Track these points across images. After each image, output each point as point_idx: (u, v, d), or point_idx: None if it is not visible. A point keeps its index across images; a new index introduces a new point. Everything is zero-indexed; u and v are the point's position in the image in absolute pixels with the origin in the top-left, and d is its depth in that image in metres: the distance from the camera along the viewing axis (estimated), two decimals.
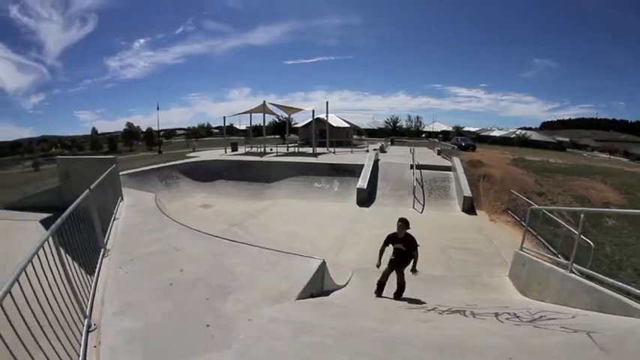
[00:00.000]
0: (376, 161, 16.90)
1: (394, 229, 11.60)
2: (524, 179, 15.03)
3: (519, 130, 68.98)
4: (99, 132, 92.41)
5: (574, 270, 4.80)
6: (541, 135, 67.95)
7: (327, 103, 23.47)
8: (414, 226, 10.55)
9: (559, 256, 6.29)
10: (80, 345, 3.10)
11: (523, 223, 9.62)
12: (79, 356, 2.97)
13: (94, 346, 3.26)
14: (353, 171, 15.47)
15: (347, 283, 6.13)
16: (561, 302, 4.47)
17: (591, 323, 3.19)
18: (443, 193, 14.18)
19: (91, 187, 5.48)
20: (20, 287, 2.18)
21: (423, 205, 13.25)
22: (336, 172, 15.95)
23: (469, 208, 12.67)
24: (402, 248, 5.47)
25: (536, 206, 8.25)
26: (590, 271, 4.59)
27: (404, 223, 5.50)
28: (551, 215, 7.60)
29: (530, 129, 77.40)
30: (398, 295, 5.69)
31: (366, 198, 13.70)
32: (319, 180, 15.84)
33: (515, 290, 6.38)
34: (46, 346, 2.38)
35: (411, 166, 15.89)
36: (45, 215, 18.71)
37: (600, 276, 4.36)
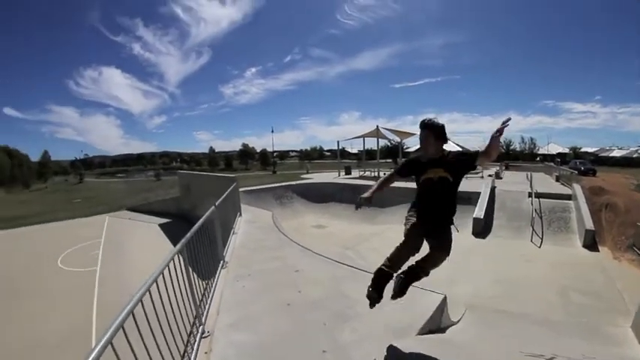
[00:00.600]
0: (493, 188, 16.09)
1: (513, 265, 9.38)
2: None
3: None
4: (216, 150, 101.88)
5: None
6: None
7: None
8: (532, 261, 9.95)
9: None
10: (193, 349, 3.39)
11: None
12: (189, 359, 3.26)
13: (205, 352, 3.52)
14: (469, 199, 14.71)
15: (460, 320, 5.51)
16: None
17: None
18: (563, 225, 13.00)
19: (217, 203, 5.79)
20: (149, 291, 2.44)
21: (542, 239, 12.25)
22: None
23: (591, 243, 11.44)
24: (445, 176, 3.12)
25: None
26: None
27: (433, 129, 3.15)
28: None
29: None
30: (403, 284, 3.43)
31: (482, 228, 13.07)
32: None
33: (638, 345, 5.59)
34: (162, 345, 2.67)
35: (529, 195, 14.90)
36: (164, 220, 21.32)
37: None
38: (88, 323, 9.01)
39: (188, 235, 3.65)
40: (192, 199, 19.56)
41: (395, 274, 3.42)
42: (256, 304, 4.47)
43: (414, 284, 4.58)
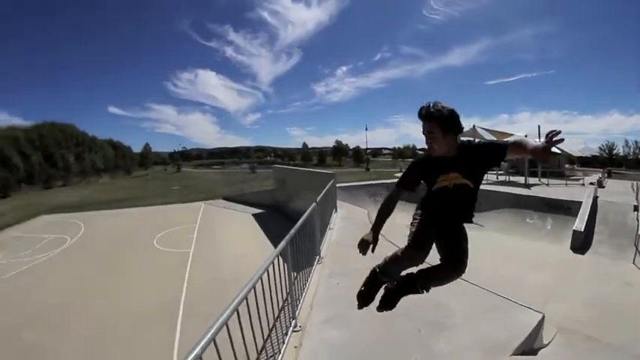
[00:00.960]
0: (595, 198, 14.45)
1: (611, 288, 8.74)
2: None
3: None
4: (309, 146, 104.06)
5: None
6: None
7: (538, 127, 21.98)
8: (633, 286, 9.10)
9: None
10: (284, 343, 3.47)
11: None
12: (280, 353, 3.32)
13: (295, 347, 3.52)
14: (569, 209, 13.50)
15: (550, 342, 5.02)
16: None
17: None
18: None
19: (317, 199, 5.92)
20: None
21: None
22: (550, 209, 14.30)
23: None
24: (465, 183, 2.46)
25: None
26: None
27: (439, 119, 2.34)
28: None
29: None
30: (388, 299, 3.01)
31: (581, 243, 11.69)
32: (531, 215, 14.36)
33: None
34: (257, 333, 2.82)
35: (635, 208, 13.12)
36: (258, 210, 22.18)
37: None
38: (177, 298, 9.63)
39: (290, 233, 3.77)
40: (286, 192, 20.32)
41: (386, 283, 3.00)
42: (351, 302, 4.45)
43: (508, 297, 4.57)
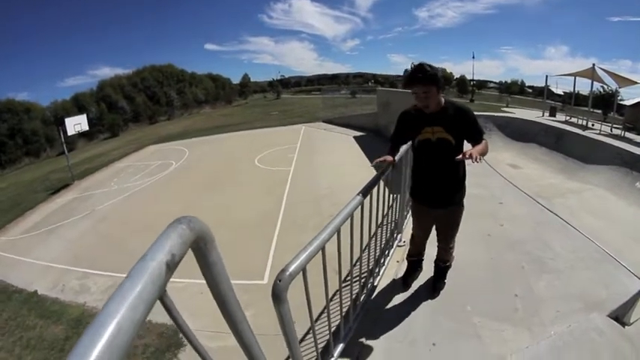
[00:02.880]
0: None
1: None
2: None
3: None
4: None
5: None
6: None
7: None
8: None
9: None
10: (388, 255, 3.77)
11: None
12: (383, 265, 3.63)
13: (397, 261, 3.79)
14: None
15: (636, 321, 4.18)
16: None
17: None
18: None
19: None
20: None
21: None
22: None
23: None
24: (446, 138, 2.62)
25: None
26: None
27: (436, 81, 2.48)
28: None
29: None
30: (436, 283, 3.43)
31: None
32: None
33: None
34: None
35: None
36: (359, 133, 22.03)
37: None
38: (276, 212, 10.43)
39: (404, 147, 3.58)
40: (390, 115, 19.60)
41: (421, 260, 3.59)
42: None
43: (615, 257, 4.33)
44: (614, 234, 8.63)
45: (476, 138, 2.61)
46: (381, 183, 3.07)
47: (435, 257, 3.39)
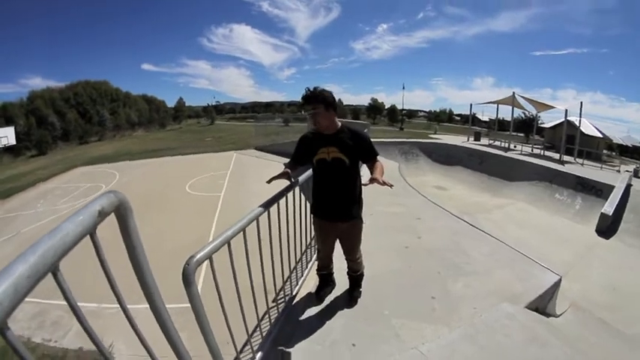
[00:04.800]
0: (628, 186, 13.82)
1: (633, 278, 8.64)
2: None
3: None
4: (344, 103, 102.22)
5: None
6: None
7: (580, 103, 20.46)
8: None
9: None
10: (302, 275, 3.77)
11: None
12: (302, 276, 3.70)
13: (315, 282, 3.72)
14: (600, 191, 13.26)
15: (561, 315, 4.94)
16: None
17: None
18: None
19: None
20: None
21: None
22: (582, 188, 14.10)
23: None
24: (340, 157, 2.76)
25: None
26: None
27: (323, 101, 2.68)
28: None
29: None
30: (352, 292, 3.44)
31: (607, 227, 11.58)
32: (561, 192, 14.24)
33: None
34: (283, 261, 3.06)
35: None
36: (288, 160, 22.31)
37: None
38: (206, 237, 10.13)
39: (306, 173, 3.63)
40: None
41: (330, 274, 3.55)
42: (374, 241, 4.54)
43: (529, 256, 4.65)
44: (536, 240, 9.19)
45: (370, 158, 2.84)
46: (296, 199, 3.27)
47: (346, 270, 3.43)
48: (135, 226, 1.13)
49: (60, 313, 7.10)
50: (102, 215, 0.94)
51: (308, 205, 3.48)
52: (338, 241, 3.18)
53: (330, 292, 3.51)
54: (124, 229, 1.10)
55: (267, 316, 2.95)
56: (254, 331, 2.71)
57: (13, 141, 19.44)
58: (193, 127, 68.87)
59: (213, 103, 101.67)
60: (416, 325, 3.07)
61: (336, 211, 2.94)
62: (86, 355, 5.33)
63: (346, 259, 3.27)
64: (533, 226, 10.83)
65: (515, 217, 11.58)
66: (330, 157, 2.78)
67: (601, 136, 31.77)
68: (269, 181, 2.88)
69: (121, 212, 1.06)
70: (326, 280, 3.52)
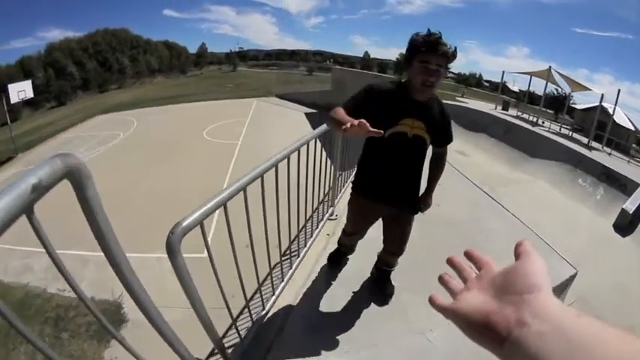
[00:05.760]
0: None
1: None
2: None
3: None
4: (371, 56, 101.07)
5: None
6: None
7: (618, 91, 19.49)
8: None
9: None
10: (317, 227, 3.58)
11: None
12: (312, 236, 3.43)
13: (327, 235, 3.67)
14: (625, 186, 12.88)
15: (570, 305, 4.81)
16: None
17: None
18: None
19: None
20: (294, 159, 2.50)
21: None
22: (606, 178, 13.69)
23: None
24: (424, 137, 2.15)
25: None
26: None
27: (452, 58, 1.94)
28: None
29: None
30: (385, 289, 2.89)
31: (627, 224, 10.89)
32: (585, 178, 13.79)
33: None
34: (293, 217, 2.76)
35: None
36: (310, 110, 21.98)
37: None
38: (220, 184, 10.13)
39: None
40: (344, 94, 19.56)
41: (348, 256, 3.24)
42: None
43: (549, 244, 4.68)
44: (552, 224, 8.93)
45: (444, 142, 2.39)
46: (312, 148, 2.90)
47: (376, 260, 2.95)
48: (95, 197, 0.93)
49: (73, 264, 7.17)
50: (38, 190, 0.72)
51: (324, 161, 3.32)
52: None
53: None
54: (82, 200, 0.91)
55: (277, 268, 2.79)
56: (264, 280, 2.63)
57: (30, 94, 19.47)
58: (215, 74, 68.49)
59: (237, 50, 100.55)
60: (427, 304, 2.83)
61: (399, 200, 2.36)
62: (98, 305, 5.38)
63: (388, 251, 2.73)
64: (551, 208, 10.51)
65: (534, 195, 11.29)
66: (412, 132, 2.09)
67: (633, 128, 30.72)
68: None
69: (76, 179, 0.87)
70: (343, 256, 3.18)
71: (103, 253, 1.03)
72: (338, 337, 2.48)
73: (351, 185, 2.52)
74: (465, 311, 0.45)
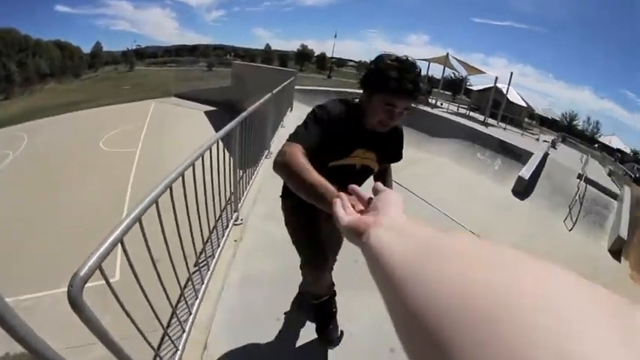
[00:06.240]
0: (545, 155, 15.21)
1: (539, 236, 9.55)
2: None
3: None
4: (272, 48, 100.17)
5: None
6: None
7: (510, 73, 22.14)
8: (557, 239, 9.95)
9: None
10: (224, 234, 3.38)
11: None
12: (219, 246, 3.20)
13: (235, 240, 3.50)
14: (519, 156, 14.34)
15: None
16: None
17: None
18: (598, 221, 12.16)
19: (274, 91, 5.64)
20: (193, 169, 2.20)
21: (574, 224, 11.63)
22: (502, 150, 15.05)
23: (616, 250, 10.72)
24: (371, 167, 1.85)
25: None
26: None
27: (423, 86, 1.64)
28: None
29: None
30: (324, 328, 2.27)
31: (524, 189, 12.60)
32: (483, 152, 15.03)
33: None
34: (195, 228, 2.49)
35: (579, 176, 14.01)
36: (210, 108, 21.48)
37: None
38: (122, 197, 9.48)
39: (244, 113, 3.47)
40: (244, 90, 19.14)
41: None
42: None
43: (452, 217, 5.04)
44: (455, 196, 9.63)
45: (393, 161, 2.06)
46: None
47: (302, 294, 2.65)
48: None
49: None
50: None
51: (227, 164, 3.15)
52: None
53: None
54: None
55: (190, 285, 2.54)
56: (178, 302, 2.42)
57: None
58: (111, 75, 64.31)
59: (134, 47, 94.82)
60: (343, 292, 2.66)
61: None
62: None
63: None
64: (454, 182, 11.45)
65: (438, 172, 12.12)
66: (360, 163, 1.80)
67: (525, 105, 33.75)
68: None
69: None
70: (330, 307, 2.32)
71: None
72: (261, 344, 2.43)
73: (285, 206, 2.07)
74: (347, 220, 0.67)
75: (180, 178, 2.04)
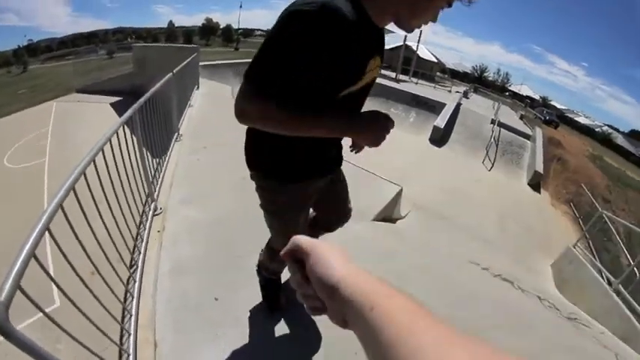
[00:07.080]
0: (458, 105, 16.37)
1: (461, 179, 10.09)
2: (597, 179, 14.78)
3: (606, 127, 63.97)
4: (176, 25, 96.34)
5: (618, 290, 4.62)
6: (626, 141, 59.38)
7: (420, 31, 22.38)
8: (479, 181, 10.79)
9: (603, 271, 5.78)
10: (145, 228, 3.16)
11: (581, 221, 10.13)
12: (142, 240, 3.00)
13: (158, 231, 3.26)
14: (433, 107, 15.27)
15: (406, 215, 5.48)
16: (592, 315, 4.02)
17: (618, 346, 3.25)
18: (515, 159, 13.70)
19: (174, 71, 5.35)
20: (95, 166, 2.07)
21: (493, 164, 12.97)
22: (416, 104, 15.80)
23: (535, 183, 12.37)
24: (376, 75, 1.39)
25: (609, 214, 6.80)
26: (633, 301, 4.32)
27: None
28: (611, 226, 6.71)
29: (617, 130, 67.85)
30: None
31: (440, 137, 13.54)
32: (397, 107, 15.69)
33: (552, 282, 6.25)
34: (112, 226, 2.32)
35: (492, 121, 15.36)
36: (116, 99, 20.35)
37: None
38: (38, 215, 8.76)
39: (137, 103, 3.20)
40: (147, 73, 17.80)
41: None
42: (210, 179, 4.31)
43: (372, 172, 5.03)
44: (375, 152, 9.97)
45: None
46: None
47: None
48: None
49: None
50: None
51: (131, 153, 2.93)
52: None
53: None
54: None
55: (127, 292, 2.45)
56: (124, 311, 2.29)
57: None
58: (3, 79, 57.54)
59: (25, 44, 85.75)
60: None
61: (339, 156, 1.79)
62: None
63: (342, 218, 2.14)
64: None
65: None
66: (371, 78, 1.37)
67: (436, 60, 35.24)
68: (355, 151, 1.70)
69: None
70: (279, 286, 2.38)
71: None
72: (206, 326, 2.37)
73: (276, 178, 1.56)
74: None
75: (83, 177, 1.90)
